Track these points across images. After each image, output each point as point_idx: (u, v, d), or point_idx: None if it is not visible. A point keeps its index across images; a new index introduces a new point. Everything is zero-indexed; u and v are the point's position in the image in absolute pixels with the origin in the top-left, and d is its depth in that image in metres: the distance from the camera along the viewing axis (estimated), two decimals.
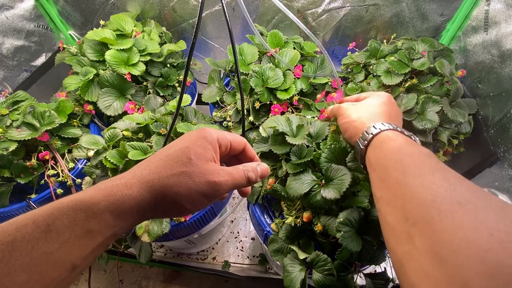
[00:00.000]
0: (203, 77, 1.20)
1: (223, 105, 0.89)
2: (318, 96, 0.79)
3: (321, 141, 0.60)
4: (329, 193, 0.52)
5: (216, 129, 0.41)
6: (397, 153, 0.39)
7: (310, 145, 0.60)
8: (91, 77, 0.83)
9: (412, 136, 0.44)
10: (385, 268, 0.59)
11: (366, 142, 0.45)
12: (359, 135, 0.48)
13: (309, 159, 0.56)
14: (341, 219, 0.51)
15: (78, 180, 0.77)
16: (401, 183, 0.35)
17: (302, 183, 0.56)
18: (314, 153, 0.57)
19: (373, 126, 0.46)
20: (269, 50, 0.80)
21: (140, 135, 0.69)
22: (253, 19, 1.00)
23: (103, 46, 0.88)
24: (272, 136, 0.62)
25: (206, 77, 0.95)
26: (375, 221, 0.53)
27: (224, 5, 0.45)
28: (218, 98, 0.88)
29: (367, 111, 0.51)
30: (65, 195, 0.77)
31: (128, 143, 0.63)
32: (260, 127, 0.67)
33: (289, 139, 0.58)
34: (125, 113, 0.81)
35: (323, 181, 0.55)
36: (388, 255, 0.58)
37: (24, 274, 0.24)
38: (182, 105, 0.58)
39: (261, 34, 0.91)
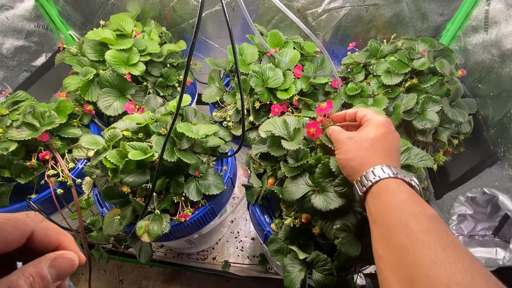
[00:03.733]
0: (203, 77, 1.20)
1: (223, 105, 0.89)
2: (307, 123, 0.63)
3: (314, 145, 0.60)
4: (318, 202, 0.52)
5: None
6: (401, 211, 0.37)
7: (305, 148, 0.59)
8: (91, 77, 0.83)
9: (412, 182, 0.43)
10: None
11: (364, 188, 0.43)
12: (356, 177, 0.45)
13: (305, 162, 0.56)
14: (338, 226, 0.51)
15: (78, 180, 0.77)
16: (408, 250, 0.33)
17: (297, 187, 0.55)
18: (307, 162, 0.56)
19: (372, 172, 0.43)
20: (269, 50, 0.80)
21: (140, 135, 0.69)
22: (253, 19, 1.00)
23: (103, 46, 0.88)
24: (270, 138, 0.61)
25: (206, 77, 0.95)
26: None
27: (224, 5, 0.45)
28: (218, 98, 0.88)
29: (365, 149, 0.47)
30: (65, 195, 0.77)
31: (128, 143, 0.63)
32: (259, 129, 0.67)
33: (285, 144, 0.57)
34: (125, 113, 0.81)
35: (318, 188, 0.55)
36: None
37: None
38: (182, 105, 0.57)
39: (261, 34, 0.91)
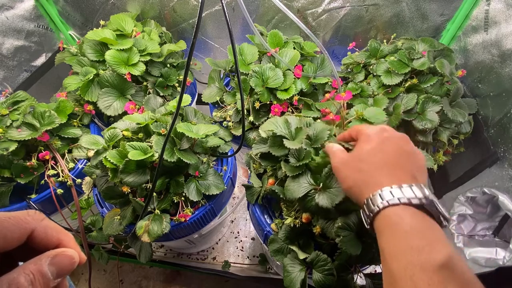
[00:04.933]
0: (203, 77, 1.20)
1: (223, 105, 0.89)
2: (327, 95, 0.78)
3: (319, 145, 0.59)
4: (322, 200, 0.51)
5: None
6: (405, 258, 0.32)
7: (308, 148, 0.59)
8: (91, 77, 0.83)
9: (422, 199, 0.35)
10: None
11: (369, 220, 0.38)
12: (361, 201, 0.39)
13: (307, 161, 0.56)
14: (340, 224, 0.50)
15: (78, 180, 0.77)
16: None
17: (299, 186, 0.55)
18: (311, 161, 0.56)
19: (371, 200, 0.37)
20: (269, 50, 0.80)
21: (140, 135, 0.69)
22: (253, 19, 1.00)
23: (103, 46, 0.88)
24: (271, 138, 0.61)
25: (206, 77, 0.95)
26: None
27: (224, 5, 0.45)
28: (218, 98, 0.88)
29: (359, 172, 0.41)
30: (65, 195, 0.77)
31: (128, 143, 0.63)
32: (260, 128, 0.67)
33: (286, 143, 0.56)
34: (125, 113, 0.81)
35: (321, 186, 0.54)
36: None
37: None
38: (182, 105, 0.57)
39: (261, 34, 0.91)
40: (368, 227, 0.39)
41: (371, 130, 0.44)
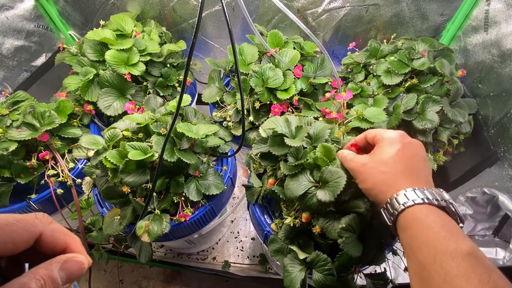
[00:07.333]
0: (203, 77, 1.20)
1: (223, 105, 0.89)
2: (327, 95, 0.78)
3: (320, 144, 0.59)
4: (324, 196, 0.51)
5: None
6: (434, 248, 0.34)
7: (306, 147, 0.59)
8: (91, 77, 0.83)
9: (442, 202, 0.38)
10: (385, 268, 0.59)
11: (392, 218, 0.40)
12: (382, 205, 0.42)
13: (304, 161, 0.56)
14: (344, 225, 0.50)
15: (78, 180, 0.77)
16: None
17: (299, 184, 0.55)
18: (307, 160, 0.56)
19: (396, 199, 0.40)
20: (269, 50, 0.80)
21: (140, 135, 0.69)
22: (253, 19, 1.00)
23: (103, 46, 0.88)
24: (271, 137, 0.61)
25: (206, 77, 0.95)
26: (375, 226, 0.53)
27: (224, 5, 0.45)
28: (218, 98, 0.88)
29: (383, 173, 0.43)
30: (65, 195, 0.77)
31: (128, 143, 0.63)
32: (260, 128, 0.67)
33: (287, 141, 0.56)
34: (125, 113, 0.80)
35: (320, 183, 0.54)
36: (388, 257, 0.58)
37: None
38: (182, 105, 0.57)
39: (261, 34, 0.91)
40: (391, 224, 0.41)
41: (393, 134, 0.46)
